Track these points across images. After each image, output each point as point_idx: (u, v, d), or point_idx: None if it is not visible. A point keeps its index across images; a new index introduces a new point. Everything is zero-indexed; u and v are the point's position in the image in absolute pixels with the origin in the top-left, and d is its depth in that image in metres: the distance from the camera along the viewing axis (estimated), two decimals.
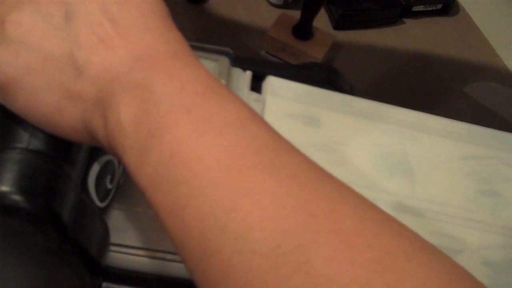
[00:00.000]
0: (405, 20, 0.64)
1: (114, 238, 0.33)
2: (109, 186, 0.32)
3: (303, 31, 0.54)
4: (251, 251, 0.17)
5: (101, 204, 0.31)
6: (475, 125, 0.47)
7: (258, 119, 0.22)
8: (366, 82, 0.57)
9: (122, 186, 0.36)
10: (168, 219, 0.20)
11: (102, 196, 0.31)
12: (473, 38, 0.64)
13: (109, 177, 0.32)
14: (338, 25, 0.61)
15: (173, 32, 0.23)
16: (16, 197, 0.24)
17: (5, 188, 0.24)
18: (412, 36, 0.63)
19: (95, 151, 0.30)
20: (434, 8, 0.64)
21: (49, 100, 0.22)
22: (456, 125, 0.46)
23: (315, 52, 0.54)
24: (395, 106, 0.45)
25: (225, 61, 0.44)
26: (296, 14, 0.55)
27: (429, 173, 0.43)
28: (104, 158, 0.31)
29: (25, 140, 0.25)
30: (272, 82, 0.42)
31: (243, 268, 0.18)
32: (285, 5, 0.61)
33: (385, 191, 0.41)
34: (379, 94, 0.56)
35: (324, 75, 0.50)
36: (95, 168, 0.30)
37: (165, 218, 0.20)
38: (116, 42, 0.21)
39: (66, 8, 0.22)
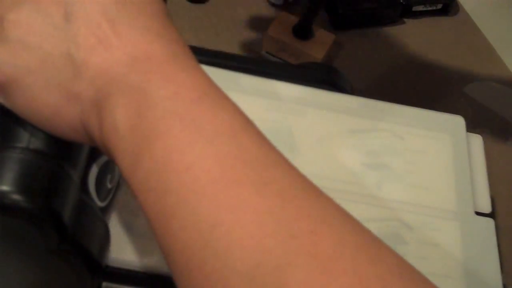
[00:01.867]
0: (405, 20, 0.64)
1: (114, 238, 0.33)
2: (109, 185, 0.32)
3: (303, 31, 0.54)
4: (231, 269, 0.17)
5: (101, 204, 0.31)
6: (367, 98, 0.46)
7: (251, 129, 0.22)
8: (366, 82, 0.57)
9: (122, 185, 0.36)
10: (156, 227, 0.20)
11: (102, 195, 0.31)
12: (473, 38, 0.64)
13: (109, 176, 0.32)
14: (338, 25, 0.61)
15: (172, 33, 0.23)
16: (16, 197, 0.24)
17: (5, 188, 0.24)
18: (412, 36, 0.63)
19: (95, 150, 0.30)
20: (434, 8, 0.64)
21: (48, 100, 0.22)
22: (347, 99, 0.45)
23: (315, 52, 0.54)
24: (282, 82, 0.45)
25: None
26: (296, 14, 0.55)
27: (313, 148, 0.42)
28: (104, 158, 0.31)
29: (25, 140, 0.25)
30: None
31: (222, 287, 0.17)
32: (285, 5, 0.61)
33: None
34: (379, 94, 0.56)
35: (324, 75, 0.50)
36: (95, 168, 0.30)
37: (154, 225, 0.20)
38: (114, 43, 0.21)
39: (65, 8, 0.22)
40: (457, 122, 0.46)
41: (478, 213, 0.41)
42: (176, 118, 0.20)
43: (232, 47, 0.57)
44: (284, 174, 0.20)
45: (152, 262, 0.34)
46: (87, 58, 0.21)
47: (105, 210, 0.32)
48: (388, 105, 0.46)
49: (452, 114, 0.47)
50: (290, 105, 0.44)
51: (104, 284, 0.33)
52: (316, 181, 0.40)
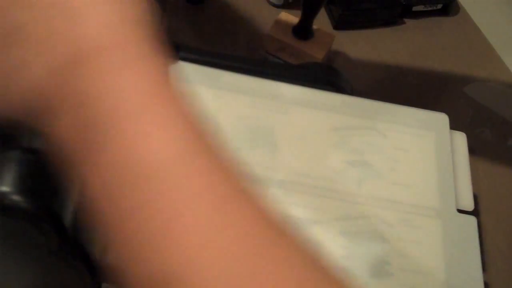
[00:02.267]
0: (405, 20, 0.64)
1: None
2: None
3: (303, 31, 0.54)
4: None
5: None
6: (352, 96, 0.46)
7: (242, 193, 0.19)
8: (366, 82, 0.57)
9: None
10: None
11: None
12: (473, 38, 0.64)
13: None
14: (338, 25, 0.61)
15: (148, 48, 0.20)
16: (16, 198, 0.24)
17: (5, 188, 0.24)
18: (412, 36, 0.63)
19: None
20: (434, 8, 0.64)
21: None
22: (329, 96, 0.45)
23: (315, 52, 0.54)
24: (267, 80, 0.45)
25: None
26: (296, 14, 0.55)
27: (294, 145, 0.42)
28: None
29: (25, 140, 0.25)
30: None
31: None
32: (285, 5, 0.61)
33: (244, 163, 0.40)
34: (379, 94, 0.56)
35: (324, 75, 0.50)
36: None
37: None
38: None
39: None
40: (441, 119, 0.46)
41: (460, 211, 0.41)
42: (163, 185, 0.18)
43: (232, 47, 0.57)
44: (278, 258, 0.18)
45: None
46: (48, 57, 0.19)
47: None
48: (371, 102, 0.46)
49: (436, 112, 0.46)
50: (272, 103, 0.44)
51: (104, 284, 0.33)
52: (297, 179, 0.40)
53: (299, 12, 0.54)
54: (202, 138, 0.19)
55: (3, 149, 0.25)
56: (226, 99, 0.43)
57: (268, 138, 0.42)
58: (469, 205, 0.42)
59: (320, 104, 0.44)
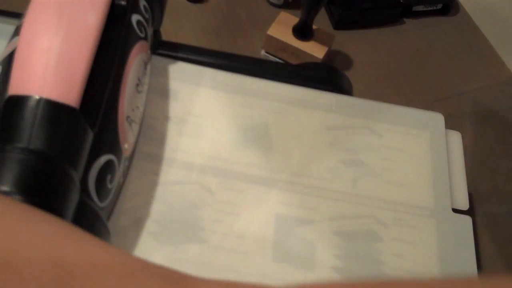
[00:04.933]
0: (405, 20, 0.64)
1: (113, 238, 0.33)
2: (109, 185, 0.32)
3: (303, 31, 0.54)
4: None
5: (101, 204, 0.31)
6: (345, 95, 0.46)
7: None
8: (366, 82, 0.57)
9: (123, 185, 0.36)
10: None
11: (102, 195, 0.31)
12: (473, 38, 0.64)
13: (109, 176, 0.32)
14: (338, 25, 0.61)
15: None
16: (16, 197, 0.24)
17: (5, 188, 0.24)
18: (412, 36, 0.63)
19: (95, 150, 0.30)
20: (434, 8, 0.64)
21: None
22: (325, 96, 0.45)
23: (315, 52, 0.54)
24: (261, 79, 0.45)
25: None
26: (296, 14, 0.55)
27: (289, 145, 0.42)
28: (104, 158, 0.31)
29: (25, 140, 0.25)
30: None
31: None
32: (285, 5, 0.61)
33: (238, 162, 0.40)
34: (379, 94, 0.56)
35: (324, 75, 0.50)
36: (95, 168, 0.30)
37: None
38: None
39: None
40: (436, 119, 0.46)
41: (455, 210, 0.41)
42: None
43: (232, 47, 0.57)
44: None
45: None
46: None
47: (105, 210, 0.32)
48: (366, 102, 0.46)
49: (432, 111, 0.46)
50: (266, 102, 0.44)
51: None
52: (291, 178, 0.40)
53: (299, 12, 0.54)
54: None
55: (3, 149, 0.25)
56: (221, 98, 0.43)
57: (263, 138, 0.42)
58: (464, 205, 0.42)
59: (315, 103, 0.45)
